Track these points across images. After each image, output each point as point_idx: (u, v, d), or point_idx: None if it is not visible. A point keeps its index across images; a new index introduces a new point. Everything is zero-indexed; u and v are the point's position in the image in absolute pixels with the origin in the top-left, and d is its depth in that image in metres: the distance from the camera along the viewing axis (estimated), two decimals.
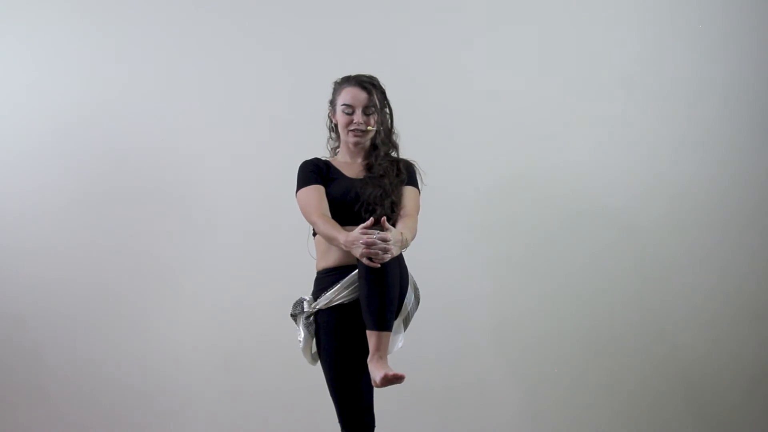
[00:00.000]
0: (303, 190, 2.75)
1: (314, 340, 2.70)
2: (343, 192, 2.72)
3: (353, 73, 2.83)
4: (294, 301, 2.79)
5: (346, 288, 2.63)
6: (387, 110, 2.82)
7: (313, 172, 2.76)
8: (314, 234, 2.76)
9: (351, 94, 2.76)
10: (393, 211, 2.72)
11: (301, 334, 2.68)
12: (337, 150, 2.90)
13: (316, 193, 2.73)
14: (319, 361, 2.72)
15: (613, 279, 3.92)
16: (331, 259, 2.69)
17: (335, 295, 2.63)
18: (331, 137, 2.91)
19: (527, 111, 3.93)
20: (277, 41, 3.94)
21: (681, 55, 3.98)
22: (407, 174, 2.81)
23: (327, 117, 2.89)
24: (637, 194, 3.94)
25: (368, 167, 2.78)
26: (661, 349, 3.92)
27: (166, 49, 3.94)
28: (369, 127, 2.75)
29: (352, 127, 2.76)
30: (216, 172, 3.91)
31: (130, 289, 3.88)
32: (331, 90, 2.87)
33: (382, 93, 2.81)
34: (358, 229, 2.52)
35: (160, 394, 3.87)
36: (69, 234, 3.88)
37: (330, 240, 2.64)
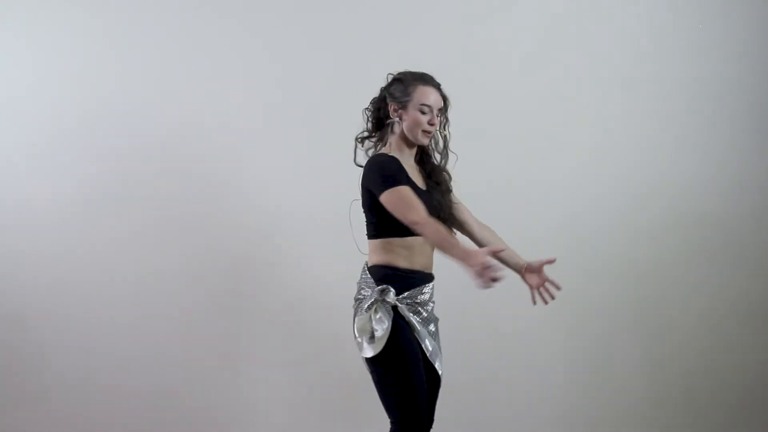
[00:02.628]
0: (401, 188, 2.58)
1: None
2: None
3: (416, 70, 2.73)
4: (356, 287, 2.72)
5: (431, 296, 2.75)
6: (446, 119, 2.78)
7: (403, 171, 2.65)
8: (372, 235, 2.69)
9: (433, 96, 2.68)
10: None
11: (385, 323, 2.59)
12: (380, 146, 2.77)
13: (414, 192, 2.62)
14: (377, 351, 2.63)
15: (613, 279, 3.92)
16: (417, 263, 2.69)
17: (422, 296, 2.70)
18: (368, 129, 2.78)
19: (525, 111, 3.93)
20: (278, 39, 3.94)
21: (681, 55, 3.99)
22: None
23: (373, 107, 2.76)
24: (637, 194, 3.94)
25: (426, 174, 2.77)
26: (661, 349, 3.93)
27: (168, 47, 3.93)
28: (441, 131, 2.74)
29: (427, 128, 2.68)
30: (219, 172, 3.90)
31: (130, 290, 3.88)
32: (386, 82, 2.74)
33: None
34: (487, 251, 2.44)
35: (160, 394, 3.87)
36: (69, 235, 3.87)
37: (439, 243, 2.52)
